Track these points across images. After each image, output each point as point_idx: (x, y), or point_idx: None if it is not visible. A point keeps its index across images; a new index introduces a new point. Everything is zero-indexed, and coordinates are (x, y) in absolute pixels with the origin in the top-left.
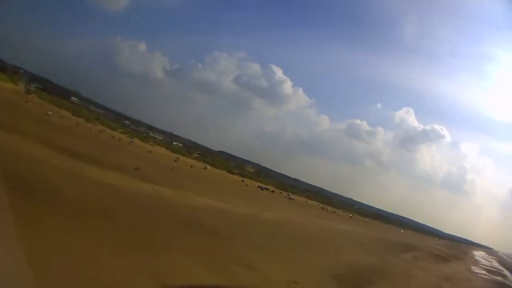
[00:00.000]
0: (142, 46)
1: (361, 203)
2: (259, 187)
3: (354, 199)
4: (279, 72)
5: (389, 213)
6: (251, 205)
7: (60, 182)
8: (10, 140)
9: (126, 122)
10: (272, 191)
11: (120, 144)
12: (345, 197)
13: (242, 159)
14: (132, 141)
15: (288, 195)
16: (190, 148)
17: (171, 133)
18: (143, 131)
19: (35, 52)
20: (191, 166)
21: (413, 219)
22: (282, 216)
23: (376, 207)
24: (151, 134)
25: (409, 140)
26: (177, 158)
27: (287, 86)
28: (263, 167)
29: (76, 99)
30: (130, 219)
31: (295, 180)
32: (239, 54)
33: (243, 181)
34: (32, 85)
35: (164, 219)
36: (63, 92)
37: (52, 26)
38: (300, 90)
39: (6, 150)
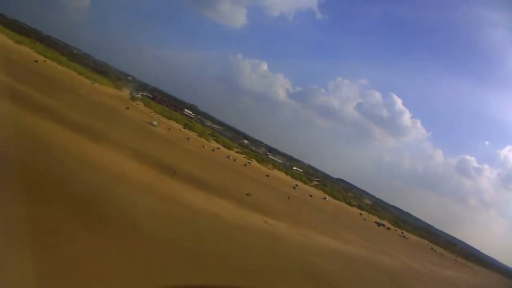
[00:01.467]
0: (264, 66)
1: (462, 242)
2: (376, 222)
3: (457, 237)
4: (399, 102)
5: (486, 255)
6: (369, 245)
7: (150, 220)
8: (93, 150)
9: (245, 141)
10: (388, 228)
11: (235, 165)
12: (450, 235)
13: (360, 189)
14: (249, 163)
15: (402, 233)
16: (309, 175)
17: (291, 156)
18: (262, 152)
19: (152, 63)
20: (310, 196)
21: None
22: (399, 263)
23: (475, 247)
24: (270, 156)
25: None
26: (296, 185)
27: (406, 117)
28: (379, 199)
29: (190, 112)
30: (243, 268)
31: (407, 214)
32: (361, 81)
33: (361, 214)
34: (140, 93)
35: (281, 267)
36: (177, 104)
37: (173, 38)
38: (418, 123)
39: (85, 162)
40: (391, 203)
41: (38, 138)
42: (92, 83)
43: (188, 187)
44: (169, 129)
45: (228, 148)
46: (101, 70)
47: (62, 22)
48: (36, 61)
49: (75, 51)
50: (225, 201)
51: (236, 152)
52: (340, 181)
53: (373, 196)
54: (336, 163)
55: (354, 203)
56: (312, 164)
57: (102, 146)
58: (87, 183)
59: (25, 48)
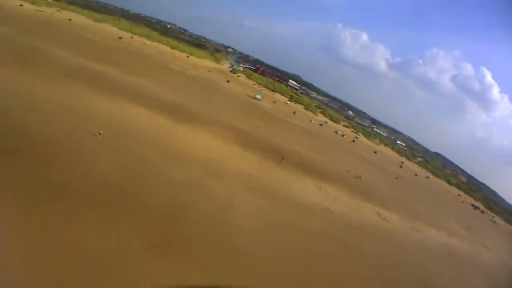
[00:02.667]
0: (364, 36)
1: None
2: (472, 205)
3: None
4: (488, 76)
5: None
6: (469, 237)
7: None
8: (186, 135)
9: (350, 112)
10: (482, 211)
11: (343, 142)
12: None
13: (455, 164)
14: (357, 137)
15: (493, 216)
16: (411, 149)
17: (393, 128)
18: (367, 125)
19: (252, 34)
20: (416, 175)
21: None
22: (495, 259)
23: None
24: (375, 129)
25: None
26: (402, 163)
27: (495, 91)
28: (471, 176)
29: (294, 83)
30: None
31: (494, 193)
32: (454, 52)
33: (459, 195)
34: (241, 65)
35: (394, 276)
36: (281, 75)
37: (272, 8)
38: (506, 98)
39: (175, 154)
40: (481, 180)
41: (120, 124)
42: (188, 56)
43: (297, 174)
44: (274, 102)
45: (335, 122)
46: (198, 43)
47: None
48: (120, 38)
49: (168, 26)
50: (336, 189)
51: (343, 126)
52: (437, 155)
53: (466, 173)
54: (433, 136)
55: (453, 182)
56: (412, 136)
57: (198, 129)
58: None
59: (106, 25)
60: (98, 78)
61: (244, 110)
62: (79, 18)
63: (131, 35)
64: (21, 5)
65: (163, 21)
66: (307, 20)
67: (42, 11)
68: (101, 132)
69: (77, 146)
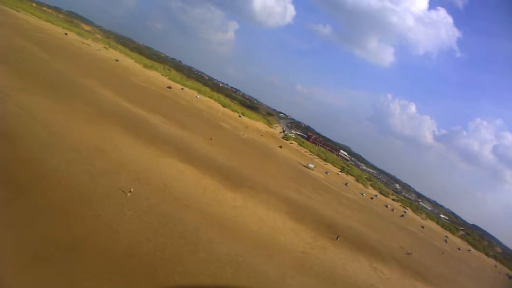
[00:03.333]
0: (413, 107)
1: None
2: (507, 275)
3: None
4: None
5: None
6: None
7: None
8: (236, 202)
9: (397, 185)
10: None
11: (393, 216)
12: None
13: (491, 235)
14: (405, 212)
15: None
16: (453, 222)
17: (435, 201)
18: (413, 198)
19: (303, 100)
20: (459, 249)
21: None
22: None
23: None
24: (421, 203)
25: None
26: (447, 237)
27: None
28: (506, 246)
29: (345, 153)
30: None
31: None
32: (496, 121)
33: (496, 266)
34: (293, 131)
35: None
36: (331, 145)
37: (323, 76)
38: None
39: (223, 224)
40: None
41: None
42: (240, 116)
43: (352, 252)
44: (326, 172)
45: (385, 195)
46: (250, 105)
47: (206, 55)
48: (169, 87)
49: (220, 84)
50: (390, 269)
51: (392, 199)
52: (475, 227)
53: (501, 244)
54: (471, 207)
55: (491, 254)
56: (452, 209)
57: (248, 197)
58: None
59: (156, 73)
60: (139, 124)
61: (297, 178)
62: (127, 61)
63: (181, 86)
64: (65, 33)
65: (215, 79)
66: (358, 89)
67: (87, 44)
68: (132, 190)
69: (100, 198)
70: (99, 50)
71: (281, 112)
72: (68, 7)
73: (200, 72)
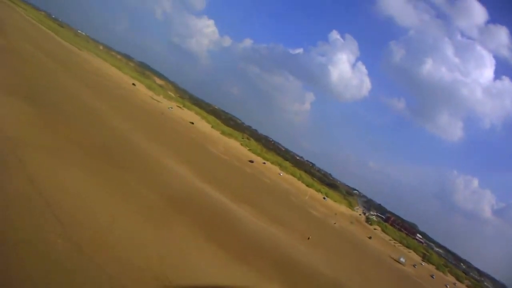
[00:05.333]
0: (475, 182)
1: None
2: None
3: None
4: None
5: None
6: None
7: None
8: None
9: (461, 264)
10: None
11: None
12: None
13: None
14: None
15: None
16: None
17: (494, 278)
18: (477, 278)
19: (374, 176)
20: None
21: None
22: None
23: None
24: (485, 283)
25: None
26: None
27: None
28: None
29: (421, 236)
30: None
31: None
32: None
33: None
34: (372, 213)
35: None
36: (409, 228)
37: (394, 151)
38: None
39: None
40: None
41: None
42: (324, 198)
43: None
44: (414, 265)
45: (461, 281)
46: (329, 183)
47: (281, 125)
48: (251, 162)
49: (297, 158)
50: None
51: (467, 286)
52: None
53: None
54: None
55: None
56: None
57: None
58: None
59: (234, 142)
60: (223, 223)
61: (396, 281)
62: (203, 124)
63: (262, 160)
64: (133, 84)
65: (291, 151)
66: (426, 164)
67: (158, 101)
68: None
69: None
70: (171, 108)
71: (354, 189)
72: (140, 57)
73: (276, 142)
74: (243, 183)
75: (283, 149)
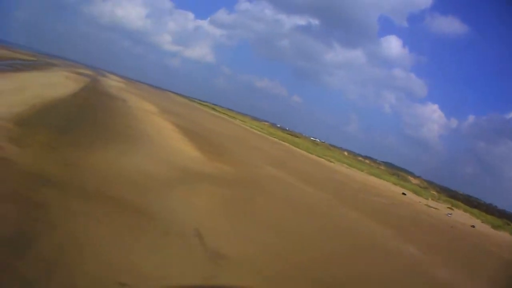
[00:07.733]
0: None
1: None
2: None
3: None
4: None
5: None
6: None
7: None
8: None
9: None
10: None
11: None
12: None
13: None
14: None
15: None
16: None
17: None
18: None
19: None
20: None
21: None
22: None
23: None
24: None
25: None
26: None
27: None
28: None
29: None
30: None
31: None
32: None
33: None
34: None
35: None
36: None
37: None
38: None
39: None
40: None
41: None
42: None
43: None
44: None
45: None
46: None
47: None
48: None
49: None
50: None
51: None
52: None
53: None
54: None
55: None
56: None
57: None
58: None
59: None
60: None
61: None
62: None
63: None
64: (403, 193)
65: None
66: None
67: (435, 208)
68: None
69: None
70: (450, 215)
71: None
72: (381, 157)
73: None
74: None
75: None
